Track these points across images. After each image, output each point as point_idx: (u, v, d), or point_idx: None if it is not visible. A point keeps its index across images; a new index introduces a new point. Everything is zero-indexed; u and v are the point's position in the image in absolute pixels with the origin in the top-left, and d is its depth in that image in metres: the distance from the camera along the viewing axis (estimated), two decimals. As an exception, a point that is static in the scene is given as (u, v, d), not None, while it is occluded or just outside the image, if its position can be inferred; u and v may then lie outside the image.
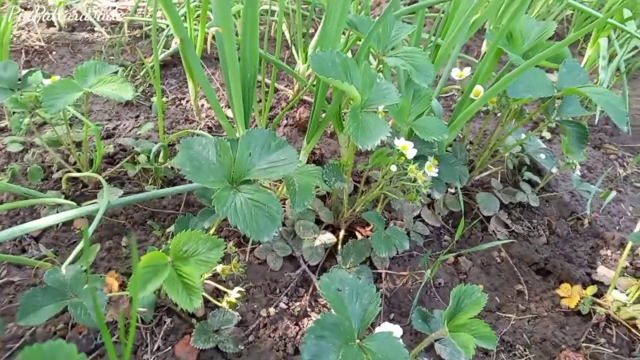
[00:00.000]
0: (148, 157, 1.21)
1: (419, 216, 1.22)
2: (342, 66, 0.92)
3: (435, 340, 0.93)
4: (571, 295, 1.04)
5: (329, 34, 1.01)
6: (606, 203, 1.25)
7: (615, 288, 1.05)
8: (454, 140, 1.33)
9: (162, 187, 1.21)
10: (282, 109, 1.56)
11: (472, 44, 2.11)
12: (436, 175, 1.04)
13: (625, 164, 1.56)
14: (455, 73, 1.22)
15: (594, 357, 0.95)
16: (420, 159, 1.06)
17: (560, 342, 0.97)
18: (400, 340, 0.73)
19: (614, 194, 1.24)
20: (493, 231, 1.20)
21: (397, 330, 0.76)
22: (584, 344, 0.97)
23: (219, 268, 0.89)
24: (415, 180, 0.96)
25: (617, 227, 1.28)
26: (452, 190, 1.28)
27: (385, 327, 0.76)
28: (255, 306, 0.96)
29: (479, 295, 0.77)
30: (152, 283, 0.71)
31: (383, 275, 1.06)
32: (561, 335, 0.99)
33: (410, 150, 0.95)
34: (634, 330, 0.99)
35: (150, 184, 1.22)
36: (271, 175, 0.84)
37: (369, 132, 0.87)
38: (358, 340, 0.70)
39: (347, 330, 0.69)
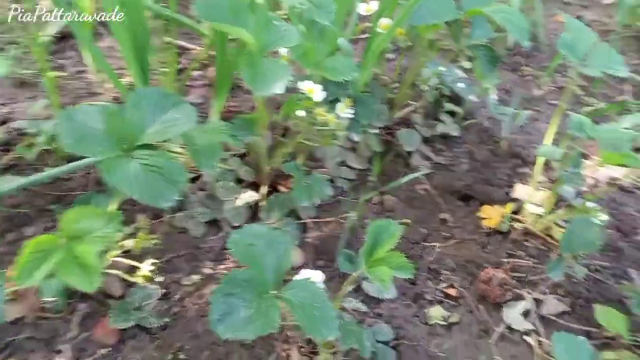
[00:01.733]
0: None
1: (344, 161, 1.21)
2: (231, 9, 0.85)
3: (363, 279, 0.94)
4: (492, 215, 1.07)
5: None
6: (519, 123, 1.28)
7: (533, 203, 1.09)
8: (373, 79, 1.30)
9: (66, 168, 1.12)
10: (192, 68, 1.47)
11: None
12: (352, 116, 1.02)
13: (541, 84, 1.61)
14: (363, 8, 1.17)
15: (514, 269, 0.99)
16: (335, 101, 1.03)
17: (482, 262, 1.01)
18: (320, 285, 0.72)
19: (526, 113, 1.27)
20: (416, 166, 1.20)
21: (317, 275, 0.75)
22: (505, 260, 1.01)
23: (129, 243, 0.84)
24: (328, 124, 0.93)
25: (535, 145, 1.32)
26: (376, 131, 1.27)
27: (304, 274, 0.74)
28: (178, 276, 0.93)
29: (394, 228, 0.77)
30: (41, 269, 0.65)
31: (310, 225, 1.05)
32: (484, 255, 1.02)
33: (317, 93, 0.91)
34: (549, 240, 1.04)
35: (55, 167, 1.13)
36: (166, 136, 0.78)
37: (267, 77, 0.82)
38: (274, 292, 0.68)
39: (261, 283, 0.67)
